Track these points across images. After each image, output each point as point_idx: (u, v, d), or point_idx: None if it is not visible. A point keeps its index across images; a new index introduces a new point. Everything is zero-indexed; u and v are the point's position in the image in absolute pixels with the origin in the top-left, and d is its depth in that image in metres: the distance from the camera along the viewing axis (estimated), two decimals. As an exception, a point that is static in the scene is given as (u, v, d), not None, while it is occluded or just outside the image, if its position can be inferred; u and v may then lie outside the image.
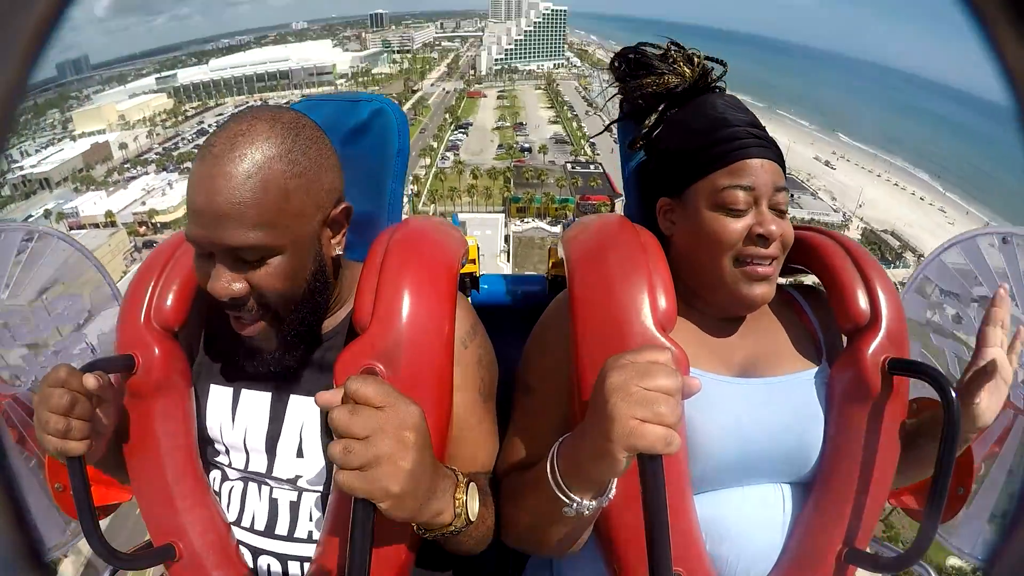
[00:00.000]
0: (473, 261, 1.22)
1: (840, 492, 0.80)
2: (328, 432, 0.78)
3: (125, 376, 0.78)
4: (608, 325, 0.74)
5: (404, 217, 0.93)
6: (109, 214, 60.71)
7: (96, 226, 59.15)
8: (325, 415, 0.78)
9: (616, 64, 0.96)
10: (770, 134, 0.84)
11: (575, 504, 0.63)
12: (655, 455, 0.56)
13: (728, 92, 0.93)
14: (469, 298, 1.27)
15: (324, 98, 0.96)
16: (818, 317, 0.91)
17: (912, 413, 0.88)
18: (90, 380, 0.69)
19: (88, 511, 0.69)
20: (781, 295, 0.93)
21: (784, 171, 0.84)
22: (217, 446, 0.83)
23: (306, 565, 0.78)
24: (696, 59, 0.92)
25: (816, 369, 0.84)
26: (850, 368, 0.80)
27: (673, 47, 0.92)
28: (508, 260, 50.68)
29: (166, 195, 65.30)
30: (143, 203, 63.84)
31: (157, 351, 0.79)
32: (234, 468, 0.82)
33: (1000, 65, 0.28)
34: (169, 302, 0.81)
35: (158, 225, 60.21)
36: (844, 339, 0.87)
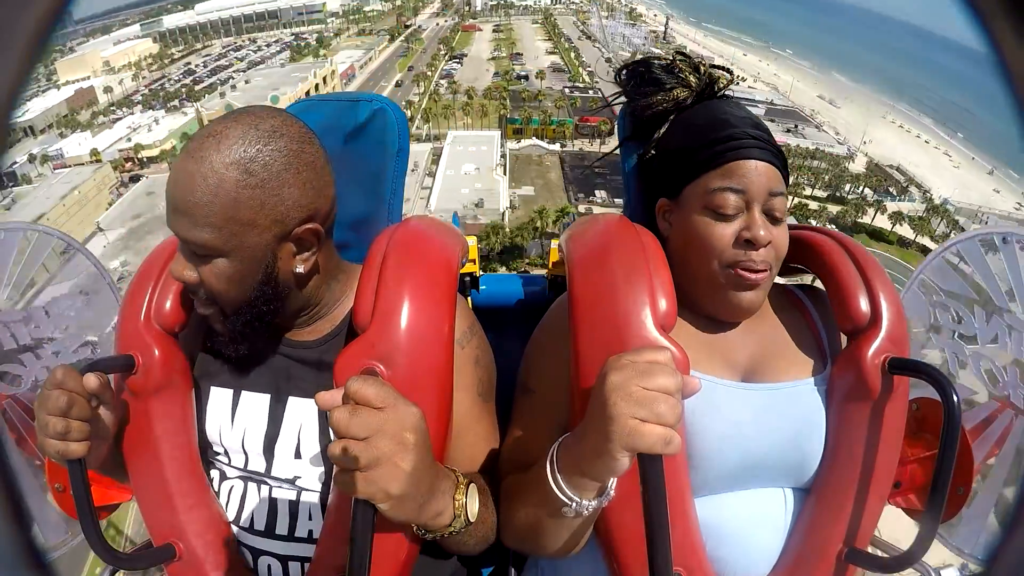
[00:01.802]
0: (473, 261, 1.22)
1: (840, 492, 0.80)
2: (328, 432, 0.78)
3: (125, 376, 0.79)
4: (608, 325, 0.74)
5: (404, 217, 0.93)
6: (94, 152, 58.10)
7: (81, 165, 56.09)
8: (325, 415, 0.78)
9: (623, 79, 0.95)
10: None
11: (574, 504, 0.63)
12: (655, 455, 0.56)
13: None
14: (469, 298, 1.27)
15: (324, 98, 0.97)
16: (823, 319, 0.90)
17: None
18: (91, 380, 0.69)
19: (88, 511, 0.69)
20: (785, 296, 0.92)
21: (786, 176, 0.82)
22: (216, 447, 0.83)
23: (306, 565, 0.78)
24: (702, 68, 0.91)
25: (819, 376, 0.83)
26: (850, 368, 0.80)
27: (679, 58, 0.92)
28: (505, 174, 48.56)
29: (152, 131, 62.98)
30: (128, 140, 61.45)
31: (157, 351, 0.79)
32: (233, 467, 0.82)
33: (1000, 65, 0.28)
34: (169, 303, 0.81)
35: (144, 160, 58.00)
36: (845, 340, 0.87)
